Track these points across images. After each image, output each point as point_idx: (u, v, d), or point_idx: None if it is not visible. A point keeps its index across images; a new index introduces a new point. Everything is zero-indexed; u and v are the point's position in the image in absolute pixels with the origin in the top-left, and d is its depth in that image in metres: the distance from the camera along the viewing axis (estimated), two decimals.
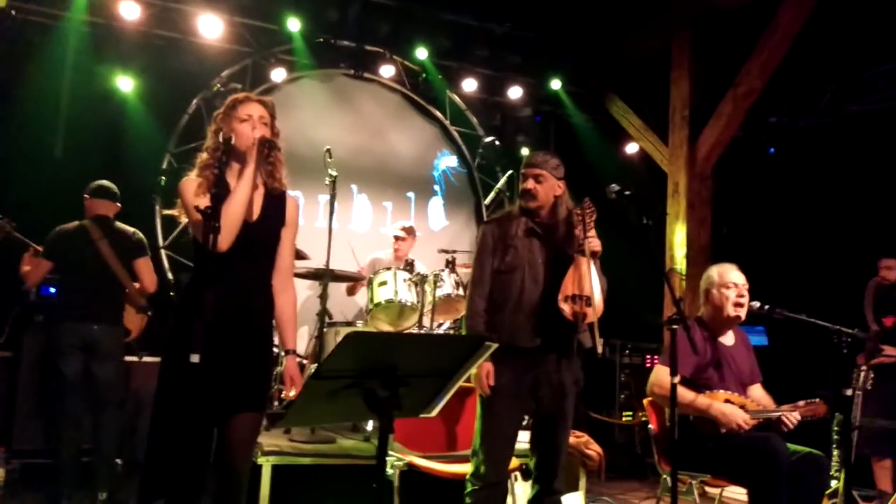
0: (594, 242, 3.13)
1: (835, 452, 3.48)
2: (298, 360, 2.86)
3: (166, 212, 3.16)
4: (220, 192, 2.47)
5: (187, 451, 2.22)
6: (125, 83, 6.17)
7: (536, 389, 3.15)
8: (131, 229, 4.50)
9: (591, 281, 3.05)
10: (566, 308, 3.05)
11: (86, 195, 4.45)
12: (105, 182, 4.50)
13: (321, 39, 6.83)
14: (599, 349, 3.05)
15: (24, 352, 4.91)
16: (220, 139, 2.59)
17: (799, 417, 3.36)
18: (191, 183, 2.64)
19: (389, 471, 3.44)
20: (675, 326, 3.08)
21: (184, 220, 2.74)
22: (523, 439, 3.36)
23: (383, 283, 5.01)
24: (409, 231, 5.95)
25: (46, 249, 4.29)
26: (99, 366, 4.26)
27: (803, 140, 7.56)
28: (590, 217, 3.13)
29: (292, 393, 2.71)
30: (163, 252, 6.24)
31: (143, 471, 2.60)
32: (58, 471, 4.18)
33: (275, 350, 3.50)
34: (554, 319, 3.08)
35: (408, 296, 4.99)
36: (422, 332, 4.92)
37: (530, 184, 3.24)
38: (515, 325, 3.13)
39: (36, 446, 4.80)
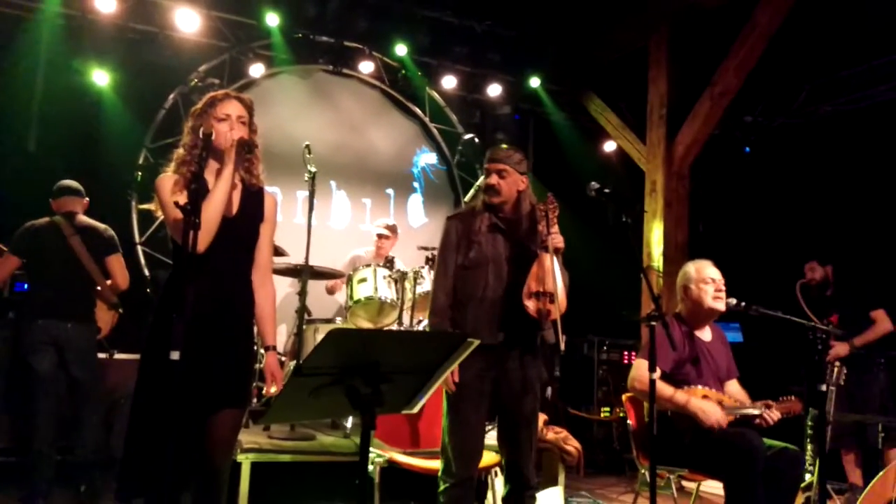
0: (557, 238, 3.10)
1: (809, 447, 3.54)
2: (277, 356, 2.85)
3: (143, 206, 3.13)
4: (198, 188, 2.45)
5: (167, 449, 2.21)
6: (101, 77, 6.09)
7: (500, 386, 3.14)
8: (103, 225, 4.43)
9: (554, 277, 3.03)
10: (530, 305, 3.04)
11: (51, 199, 4.39)
12: (66, 181, 4.44)
13: (300, 35, 6.79)
14: (562, 346, 3.03)
15: None
16: (200, 135, 2.56)
17: (778, 416, 3.42)
18: (168, 179, 2.61)
19: (370, 467, 3.44)
20: (653, 323, 3.11)
21: (160, 214, 2.71)
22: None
23: (363, 280, 5.01)
24: (393, 229, 5.95)
25: (15, 245, 4.21)
26: (75, 364, 4.20)
27: (778, 139, 7.67)
28: (553, 213, 3.10)
29: (273, 389, 2.70)
30: (139, 248, 6.17)
31: (119, 468, 2.56)
32: (32, 469, 4.12)
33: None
34: (517, 315, 3.07)
35: (388, 293, 4.98)
36: (402, 328, 4.92)
37: (493, 179, 3.22)
38: (479, 321, 3.11)
39: (9, 444, 4.73)
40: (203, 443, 2.53)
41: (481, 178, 5.88)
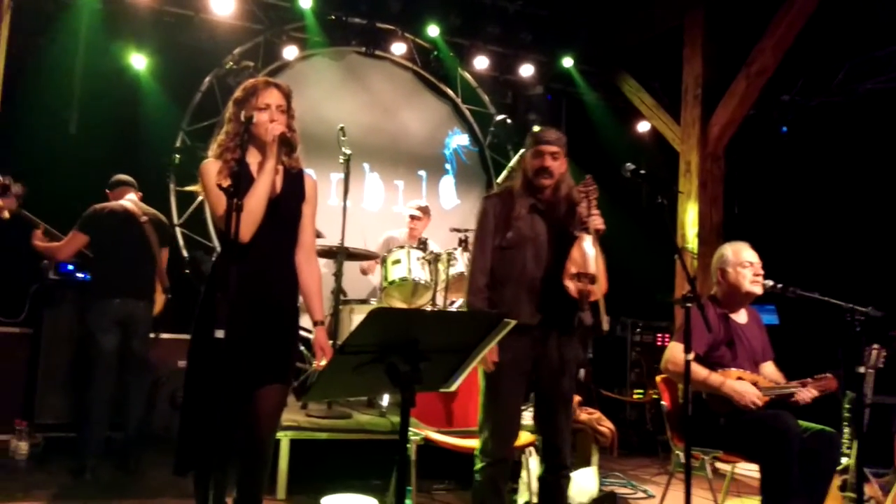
0: (598, 220, 3.11)
1: (846, 430, 3.51)
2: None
3: (189, 188, 3.21)
4: (241, 172, 2.53)
5: (216, 424, 2.29)
6: (138, 60, 6.19)
7: (537, 366, 3.16)
8: (163, 217, 4.69)
9: (595, 259, 3.04)
10: (571, 286, 3.04)
11: (108, 190, 4.60)
12: (122, 175, 4.65)
13: (332, 17, 6.81)
14: (605, 326, 3.03)
15: (44, 328, 4.99)
16: (242, 118, 2.62)
17: (815, 393, 3.40)
18: (212, 165, 2.66)
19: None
20: (689, 304, 3.10)
21: (202, 196, 2.78)
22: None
23: (397, 262, 5.05)
24: (425, 210, 5.98)
25: (86, 225, 4.36)
26: (138, 342, 4.42)
27: (816, 119, 7.53)
28: (593, 194, 3.11)
29: (323, 362, 2.76)
30: (178, 229, 6.28)
31: (178, 442, 2.66)
32: (83, 443, 4.27)
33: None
34: (556, 297, 3.08)
35: (421, 274, 5.02)
36: (436, 309, 4.96)
37: (548, 161, 3.19)
38: (517, 302, 3.11)
39: (57, 420, 4.89)
40: (249, 417, 2.61)
41: (514, 160, 5.92)
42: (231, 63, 6.41)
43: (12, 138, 5.20)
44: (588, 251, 3.05)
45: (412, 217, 5.92)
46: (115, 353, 4.33)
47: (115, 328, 4.33)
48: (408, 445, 3.47)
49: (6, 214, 3.04)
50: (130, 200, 4.53)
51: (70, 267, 4.93)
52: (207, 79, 6.50)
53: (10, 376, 4.99)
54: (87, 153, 5.58)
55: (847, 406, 3.46)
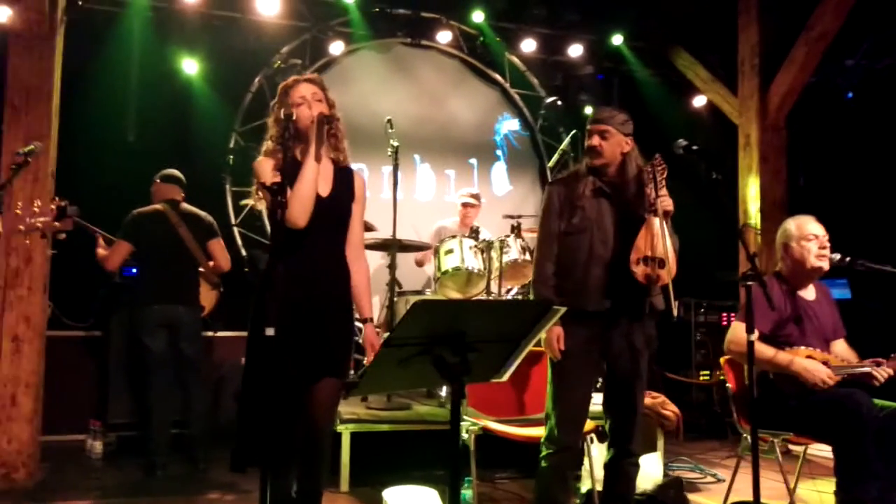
0: (666, 201, 3.00)
1: None
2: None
3: (244, 202, 3.28)
4: (287, 168, 2.56)
5: (275, 420, 2.34)
6: (190, 65, 6.30)
7: (607, 352, 3.10)
8: (203, 213, 4.70)
9: (664, 242, 2.94)
10: (638, 271, 2.97)
11: (157, 179, 4.66)
12: (171, 170, 4.70)
13: (377, 9, 6.81)
14: (675, 312, 2.95)
15: (112, 331, 5.16)
16: (282, 115, 2.66)
17: (890, 372, 3.25)
18: (265, 164, 2.70)
19: (465, 435, 3.48)
20: (750, 283, 2.99)
21: (260, 206, 2.84)
22: (598, 401, 3.34)
23: (450, 252, 5.02)
24: (477, 197, 5.95)
25: (126, 232, 4.46)
26: (186, 344, 4.50)
27: (884, 82, 7.17)
28: (661, 174, 3.01)
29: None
30: (235, 229, 6.39)
31: (235, 440, 2.72)
32: (149, 442, 4.40)
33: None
34: (624, 282, 3.00)
35: (474, 262, 4.99)
36: (490, 298, 4.92)
37: (595, 140, 3.13)
38: (584, 289, 3.06)
39: (130, 419, 5.06)
40: (306, 411, 2.66)
41: (565, 142, 5.84)
42: (279, 62, 6.49)
43: (73, 150, 5.35)
44: (657, 234, 2.95)
45: (465, 205, 5.88)
46: (165, 355, 4.44)
47: (161, 331, 4.43)
48: (465, 436, 3.47)
49: (63, 236, 3.17)
50: (166, 201, 4.57)
51: (134, 270, 5.07)
52: (257, 79, 6.59)
53: (84, 378, 5.22)
54: (144, 160, 5.69)
55: None
